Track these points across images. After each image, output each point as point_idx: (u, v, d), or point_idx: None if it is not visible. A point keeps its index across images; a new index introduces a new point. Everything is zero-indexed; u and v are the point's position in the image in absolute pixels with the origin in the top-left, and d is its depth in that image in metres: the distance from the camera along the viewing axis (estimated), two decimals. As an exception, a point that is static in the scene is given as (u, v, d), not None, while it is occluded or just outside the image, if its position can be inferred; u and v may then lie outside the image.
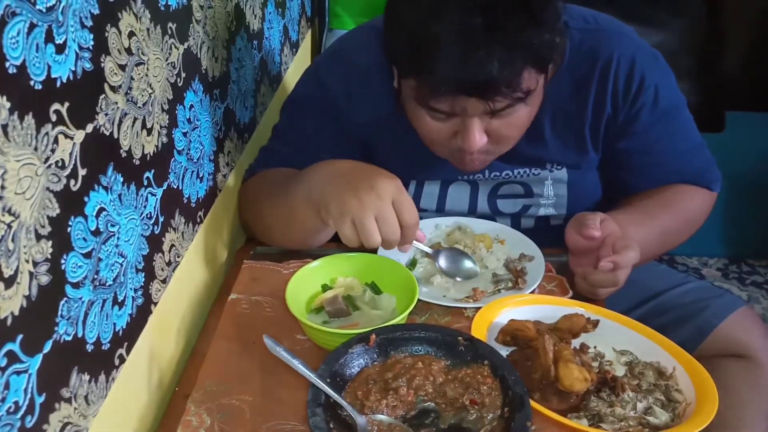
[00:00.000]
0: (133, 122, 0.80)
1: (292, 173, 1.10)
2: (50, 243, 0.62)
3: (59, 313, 0.64)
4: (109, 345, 0.75)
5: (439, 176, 1.19)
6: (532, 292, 1.02)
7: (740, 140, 1.89)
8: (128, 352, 0.80)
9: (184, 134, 0.97)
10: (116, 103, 0.75)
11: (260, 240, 1.16)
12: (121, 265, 0.78)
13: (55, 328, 0.64)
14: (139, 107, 0.81)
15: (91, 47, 0.69)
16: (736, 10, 1.94)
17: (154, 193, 0.87)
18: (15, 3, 0.56)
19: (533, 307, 0.97)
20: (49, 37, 0.61)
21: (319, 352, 0.91)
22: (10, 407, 0.57)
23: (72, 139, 0.65)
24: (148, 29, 0.83)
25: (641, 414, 0.82)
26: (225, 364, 0.90)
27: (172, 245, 0.94)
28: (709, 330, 1.16)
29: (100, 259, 0.72)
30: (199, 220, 1.04)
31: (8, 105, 0.55)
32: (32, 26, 0.58)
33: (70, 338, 0.66)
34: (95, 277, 0.71)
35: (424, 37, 0.89)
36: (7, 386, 0.57)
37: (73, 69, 0.65)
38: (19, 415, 0.59)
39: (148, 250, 0.85)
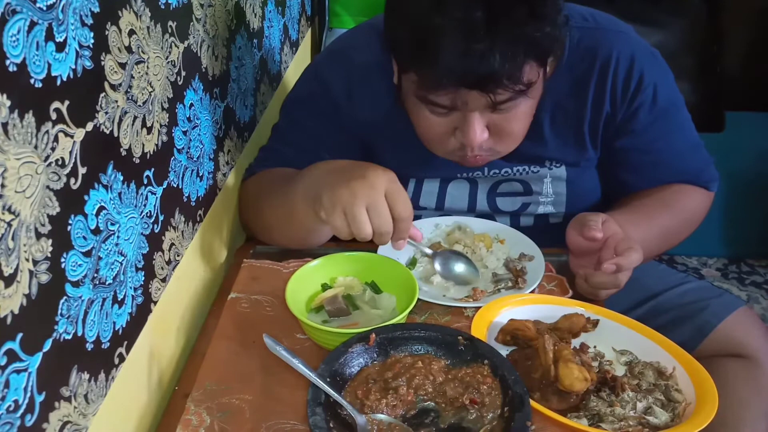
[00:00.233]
0: (133, 121, 0.79)
1: (292, 173, 1.10)
2: (50, 241, 0.62)
3: (59, 311, 0.64)
4: (108, 344, 0.75)
5: (438, 174, 1.19)
6: (532, 291, 1.02)
7: (740, 140, 1.89)
8: (128, 350, 0.80)
9: (184, 133, 0.97)
10: (116, 101, 0.75)
11: (260, 239, 1.16)
12: (121, 263, 0.77)
13: (55, 327, 0.64)
14: (139, 106, 0.81)
15: (91, 45, 0.69)
16: (736, 10, 1.94)
17: (154, 191, 0.87)
18: (15, 1, 0.56)
19: (533, 306, 0.97)
20: (50, 36, 0.61)
21: (319, 351, 0.91)
22: (9, 406, 0.57)
23: (72, 137, 0.65)
24: (148, 27, 0.83)
25: (641, 414, 0.82)
26: (225, 364, 0.90)
27: (172, 244, 0.93)
28: (708, 330, 1.17)
29: (100, 258, 0.72)
30: (199, 218, 1.04)
31: (8, 103, 0.55)
32: (32, 24, 0.58)
33: (69, 337, 0.66)
34: (95, 275, 0.71)
35: (426, 29, 0.89)
36: (6, 385, 0.57)
37: (74, 67, 0.65)
38: (18, 414, 0.58)
39: (148, 249, 0.85)
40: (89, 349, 0.70)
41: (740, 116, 1.91)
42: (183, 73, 0.96)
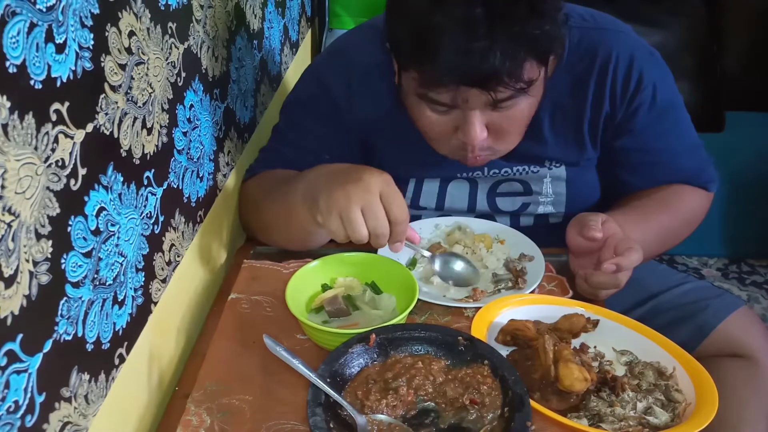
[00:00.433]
0: (133, 122, 0.80)
1: (292, 174, 1.10)
2: (50, 242, 0.62)
3: (59, 312, 0.64)
4: (109, 344, 0.75)
5: (438, 174, 1.19)
6: (532, 292, 1.02)
7: (740, 140, 1.88)
8: (128, 351, 0.80)
9: (184, 134, 0.97)
10: (116, 102, 0.75)
11: (260, 240, 1.16)
12: (121, 264, 0.78)
13: (55, 328, 0.64)
14: (139, 107, 0.81)
15: (91, 47, 0.69)
16: (736, 10, 1.94)
17: (154, 192, 0.87)
18: (15, 2, 0.56)
19: (533, 307, 0.97)
20: (50, 37, 0.61)
21: (319, 352, 0.91)
22: (10, 406, 0.57)
23: (72, 138, 0.65)
24: (148, 29, 0.83)
25: (641, 414, 0.82)
26: (225, 364, 0.90)
27: (172, 245, 0.94)
28: (708, 330, 1.17)
29: (100, 259, 0.72)
30: (199, 219, 1.04)
31: (8, 104, 0.55)
32: (32, 26, 0.58)
33: (70, 337, 0.66)
34: (95, 276, 0.71)
35: (426, 27, 0.89)
36: (7, 385, 0.57)
37: (73, 68, 0.65)
38: (19, 415, 0.59)
39: (148, 250, 0.85)
40: (89, 350, 0.71)
41: (740, 116, 1.91)
42: (183, 74, 0.96)
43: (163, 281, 0.91)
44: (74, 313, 0.67)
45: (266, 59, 1.47)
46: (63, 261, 0.65)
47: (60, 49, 0.63)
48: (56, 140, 0.62)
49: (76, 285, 0.67)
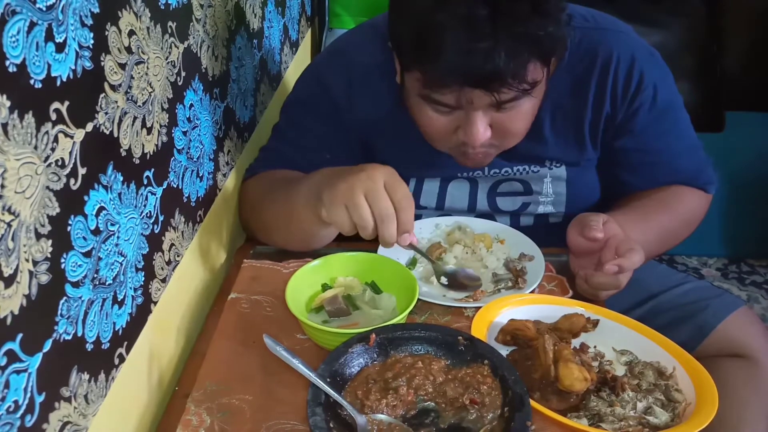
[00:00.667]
0: (133, 121, 0.79)
1: (293, 175, 1.10)
2: (50, 242, 0.62)
3: (59, 312, 0.64)
4: (108, 344, 0.75)
5: (438, 173, 1.19)
6: (532, 291, 1.02)
7: (740, 140, 1.88)
8: (128, 351, 0.80)
9: (184, 133, 0.97)
10: (116, 101, 0.75)
11: (260, 240, 1.16)
12: (121, 264, 0.77)
13: (55, 327, 0.64)
14: (139, 106, 0.81)
15: (91, 46, 0.69)
16: (736, 10, 1.94)
17: (154, 192, 0.87)
18: (15, 1, 0.56)
19: (533, 306, 0.97)
20: (49, 36, 0.61)
21: (319, 351, 0.91)
22: (9, 406, 0.57)
23: (72, 138, 0.65)
24: (148, 28, 0.83)
25: (641, 414, 0.82)
26: (225, 364, 0.90)
27: (172, 244, 0.93)
28: (708, 330, 1.17)
29: (99, 258, 0.72)
30: (198, 219, 1.04)
31: (8, 104, 0.55)
32: (32, 25, 0.58)
33: (69, 337, 0.66)
34: (95, 276, 0.71)
35: (430, 27, 0.88)
36: (6, 385, 0.57)
37: (73, 68, 0.65)
38: (18, 414, 0.58)
39: (147, 249, 0.85)
40: (89, 350, 0.70)
41: (740, 116, 1.91)
42: (183, 74, 0.96)
43: (163, 281, 0.91)
44: (74, 312, 0.67)
45: (266, 59, 1.47)
46: (63, 260, 0.64)
47: (60, 48, 0.63)
48: (56, 139, 0.62)
49: (75, 284, 0.67)
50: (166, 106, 0.90)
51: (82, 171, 0.67)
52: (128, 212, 0.79)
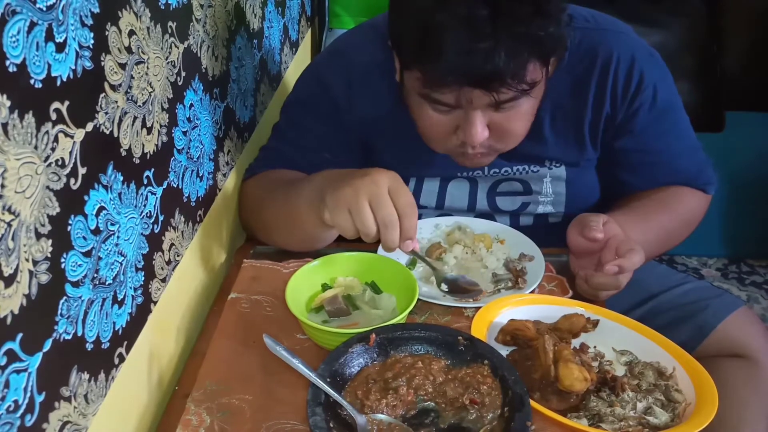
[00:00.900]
0: (133, 121, 0.79)
1: (295, 176, 1.10)
2: (50, 242, 0.62)
3: (59, 311, 0.64)
4: (108, 344, 0.75)
5: (438, 173, 1.19)
6: (532, 292, 1.02)
7: (740, 140, 1.88)
8: (128, 351, 0.80)
9: (184, 133, 0.97)
10: (116, 101, 0.75)
11: (260, 240, 1.16)
12: (121, 263, 0.77)
13: (55, 327, 0.64)
14: (139, 106, 0.81)
15: (91, 46, 0.69)
16: (736, 10, 1.94)
17: (154, 191, 0.87)
18: (15, 1, 0.56)
19: (533, 307, 0.97)
20: (50, 36, 0.61)
21: (319, 351, 0.91)
22: (9, 406, 0.57)
23: (72, 137, 0.65)
24: (148, 28, 0.83)
25: (641, 414, 0.82)
26: (225, 364, 0.90)
27: (172, 244, 0.93)
28: (708, 330, 1.17)
29: (99, 258, 0.72)
30: (198, 219, 1.04)
31: (8, 104, 0.55)
32: (32, 25, 0.58)
33: (69, 337, 0.66)
34: (95, 275, 0.71)
35: (430, 26, 0.88)
36: (6, 385, 0.57)
37: (73, 68, 0.65)
38: (18, 414, 0.58)
39: (147, 249, 0.85)
40: (89, 349, 0.70)
41: (740, 116, 1.91)
42: (183, 74, 0.96)
43: (163, 281, 0.91)
44: (74, 312, 0.67)
45: (266, 59, 1.47)
46: (63, 260, 0.64)
47: (60, 48, 0.63)
48: (56, 139, 0.62)
49: (75, 284, 0.67)
50: (166, 106, 0.90)
51: (82, 171, 0.67)
52: (128, 212, 0.79)
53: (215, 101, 1.11)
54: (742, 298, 1.62)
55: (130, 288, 0.80)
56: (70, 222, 0.66)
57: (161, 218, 0.89)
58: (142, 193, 0.83)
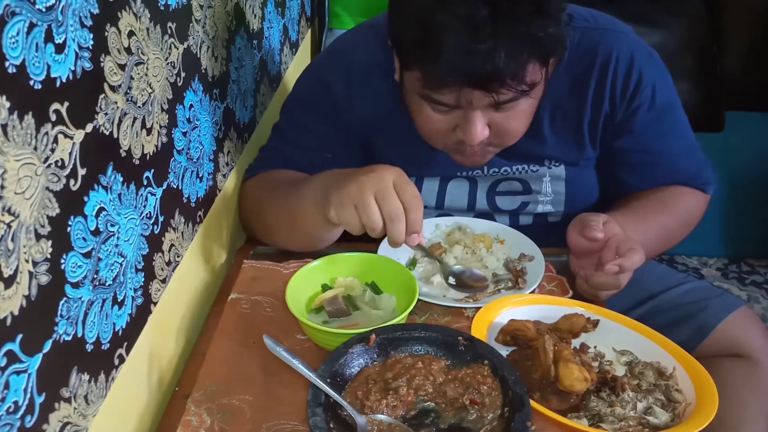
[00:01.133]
0: (133, 122, 0.79)
1: (296, 176, 1.10)
2: (50, 243, 0.62)
3: (59, 312, 0.64)
4: (108, 345, 0.75)
5: (438, 172, 1.19)
6: (532, 292, 1.02)
7: (740, 140, 1.88)
8: (128, 351, 0.80)
9: (184, 134, 0.97)
10: (116, 102, 0.75)
11: (261, 240, 1.16)
12: (121, 264, 0.78)
13: (55, 328, 0.64)
14: (139, 107, 0.81)
15: (90, 47, 0.69)
16: (736, 10, 1.94)
17: (154, 192, 0.87)
18: (15, 2, 0.56)
19: (533, 307, 0.97)
20: (49, 37, 0.61)
21: (319, 352, 0.91)
22: (9, 407, 0.57)
23: (72, 138, 0.65)
24: (147, 29, 0.83)
25: (641, 414, 0.82)
26: (225, 364, 0.90)
27: (172, 245, 0.93)
28: (708, 330, 1.17)
29: (99, 259, 0.72)
30: (198, 219, 1.04)
31: (8, 105, 0.55)
32: (32, 26, 0.58)
33: (69, 338, 0.66)
34: (95, 276, 0.71)
35: (430, 27, 0.88)
36: (6, 386, 0.57)
37: (73, 68, 0.65)
38: (18, 415, 0.58)
39: (147, 250, 0.85)
40: (89, 350, 0.70)
41: (740, 116, 1.91)
42: (183, 75, 0.96)
43: (163, 281, 0.91)
44: (74, 313, 0.67)
45: (266, 59, 1.47)
46: (63, 261, 0.65)
47: (59, 49, 0.63)
48: (56, 140, 0.62)
49: (75, 285, 0.67)
50: (165, 106, 0.90)
51: (81, 172, 0.67)
52: (128, 213, 0.79)
53: (215, 102, 1.11)
54: (742, 298, 1.62)
55: (130, 289, 0.80)
56: (69, 223, 0.66)
57: (161, 219, 0.89)
58: (141, 194, 0.83)
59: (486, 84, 0.90)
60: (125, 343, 0.79)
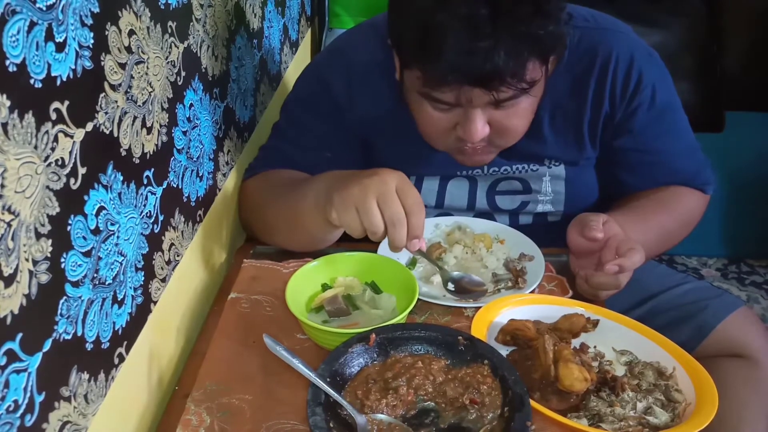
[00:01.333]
0: (133, 121, 0.79)
1: (297, 176, 1.10)
2: (50, 241, 0.62)
3: (59, 311, 0.64)
4: (108, 344, 0.75)
5: (438, 172, 1.19)
6: (532, 291, 1.02)
7: (740, 140, 1.88)
8: (128, 350, 0.80)
9: (184, 133, 0.97)
10: (116, 101, 0.75)
11: (260, 240, 1.16)
12: (121, 263, 0.77)
13: (55, 327, 0.64)
14: (139, 106, 0.81)
15: (91, 46, 0.69)
16: (736, 10, 1.94)
17: (154, 191, 0.87)
18: (15, 1, 0.56)
19: (533, 306, 0.97)
20: (49, 36, 0.61)
21: (319, 351, 0.91)
22: (9, 406, 0.57)
23: (72, 137, 0.65)
24: (148, 28, 0.83)
25: (641, 414, 0.82)
26: (225, 364, 0.90)
27: (172, 244, 0.93)
28: (708, 330, 1.17)
29: (99, 258, 0.72)
30: (198, 218, 1.04)
31: (8, 103, 0.55)
32: (32, 24, 0.58)
33: (69, 337, 0.66)
34: (95, 275, 0.71)
35: (431, 26, 0.88)
36: (6, 385, 0.57)
37: (73, 67, 0.65)
38: (18, 414, 0.58)
39: (147, 249, 0.85)
40: (89, 349, 0.70)
41: (740, 116, 1.91)
42: (183, 74, 0.96)
43: (163, 280, 0.91)
44: (74, 312, 0.67)
45: (266, 58, 1.47)
46: (63, 260, 0.64)
47: (60, 47, 0.63)
48: (56, 139, 0.62)
49: (75, 284, 0.67)
50: (166, 105, 0.90)
51: (82, 171, 0.67)
52: (128, 212, 0.79)
53: (215, 101, 1.11)
54: (742, 298, 1.62)
55: (130, 288, 0.80)
56: (69, 222, 0.66)
57: (161, 218, 0.89)
58: (142, 193, 0.83)
59: (486, 82, 0.90)
60: (125, 342, 0.79)
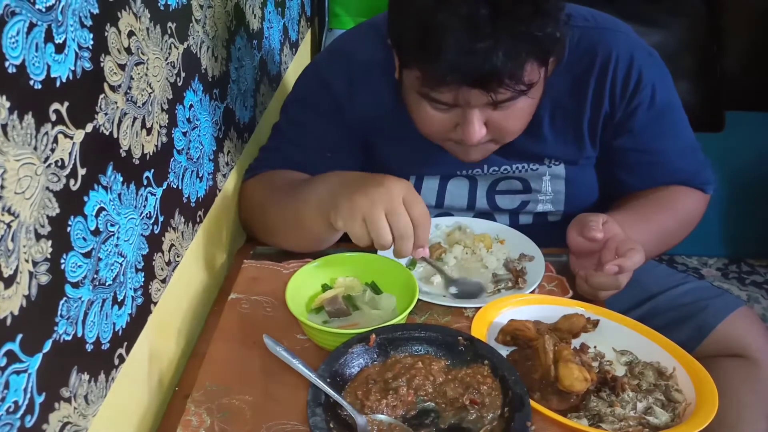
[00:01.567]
0: (133, 122, 0.79)
1: (297, 176, 1.10)
2: (50, 242, 0.62)
3: (59, 312, 0.64)
4: (108, 345, 0.75)
5: (438, 171, 1.19)
6: (532, 292, 1.02)
7: (740, 140, 1.89)
8: (128, 351, 0.80)
9: (184, 134, 0.97)
10: (116, 102, 0.75)
11: (261, 240, 1.16)
12: (121, 264, 0.77)
13: (55, 328, 0.64)
14: (139, 107, 0.81)
15: (90, 47, 0.69)
16: (736, 10, 1.94)
17: (154, 192, 0.87)
18: (15, 2, 0.56)
19: (533, 307, 0.97)
20: (49, 37, 0.61)
21: (319, 352, 0.91)
22: (9, 407, 0.57)
23: (71, 138, 0.65)
24: (147, 29, 0.83)
25: (641, 414, 0.82)
26: (225, 364, 0.90)
27: (172, 245, 0.93)
28: (708, 330, 1.17)
29: (99, 259, 0.72)
30: (198, 219, 1.04)
31: (8, 104, 0.55)
32: (32, 26, 0.58)
33: (69, 338, 0.66)
34: (95, 276, 0.71)
35: (430, 26, 0.89)
36: (6, 386, 0.57)
37: (73, 68, 0.65)
38: (18, 415, 0.58)
39: (147, 250, 0.85)
40: (89, 350, 0.70)
41: (740, 116, 1.91)
42: (182, 74, 0.96)
43: (163, 281, 0.91)
44: (74, 313, 0.67)
45: (266, 59, 1.47)
46: (63, 261, 0.64)
47: (59, 49, 0.63)
48: (56, 140, 0.62)
49: (75, 285, 0.67)
50: (165, 106, 0.90)
51: (81, 172, 0.67)
52: (128, 213, 0.79)
53: (215, 102, 1.11)
54: (742, 298, 1.62)
55: (130, 289, 0.80)
56: (69, 223, 0.66)
57: (161, 219, 0.89)
58: (141, 194, 0.83)
59: (484, 83, 0.90)
60: (125, 343, 0.79)
